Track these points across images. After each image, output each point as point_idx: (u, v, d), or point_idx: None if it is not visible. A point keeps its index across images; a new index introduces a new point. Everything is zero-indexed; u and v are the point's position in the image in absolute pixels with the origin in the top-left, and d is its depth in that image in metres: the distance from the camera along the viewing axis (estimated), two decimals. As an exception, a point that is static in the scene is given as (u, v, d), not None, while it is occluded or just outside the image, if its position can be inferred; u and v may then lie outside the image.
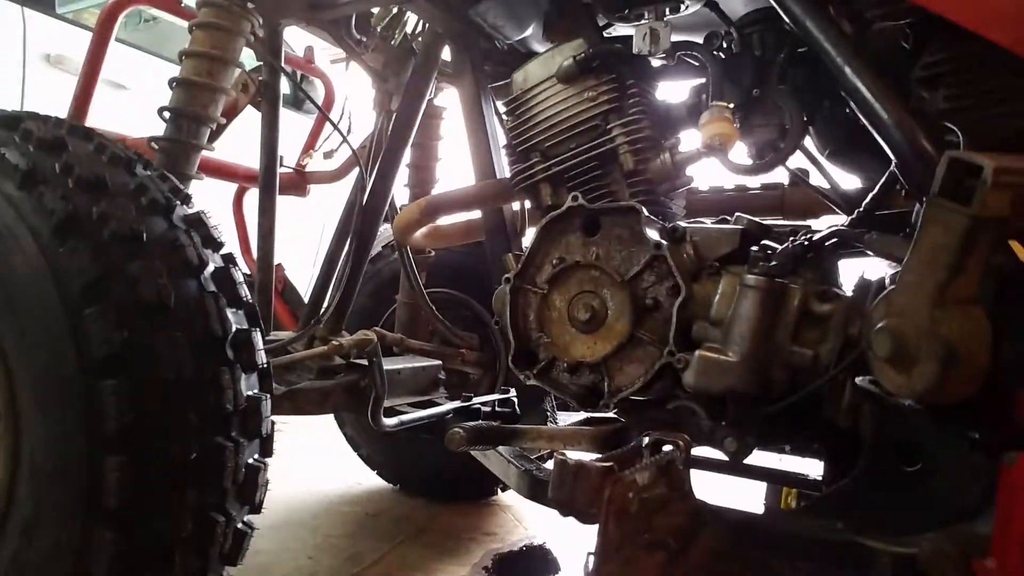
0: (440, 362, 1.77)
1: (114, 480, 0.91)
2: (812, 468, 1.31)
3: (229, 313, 1.07)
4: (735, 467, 1.17)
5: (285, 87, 1.74)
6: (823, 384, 0.88)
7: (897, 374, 0.55)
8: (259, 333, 1.13)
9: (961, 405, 0.54)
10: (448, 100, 2.01)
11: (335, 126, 1.69)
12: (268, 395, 1.13)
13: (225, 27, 1.44)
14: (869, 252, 0.83)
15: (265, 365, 1.13)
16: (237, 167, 2.19)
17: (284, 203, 1.91)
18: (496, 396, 1.59)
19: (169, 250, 1.03)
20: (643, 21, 1.22)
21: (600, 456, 0.79)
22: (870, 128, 0.89)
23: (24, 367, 0.96)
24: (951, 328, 0.51)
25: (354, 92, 2.40)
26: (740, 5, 1.20)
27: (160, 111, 1.46)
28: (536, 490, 1.13)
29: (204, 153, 1.49)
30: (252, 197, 2.45)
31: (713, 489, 1.24)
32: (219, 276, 1.09)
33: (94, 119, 1.95)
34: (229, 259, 1.14)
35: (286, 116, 1.78)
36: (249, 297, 1.14)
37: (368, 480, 2.46)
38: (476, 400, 1.54)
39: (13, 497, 0.97)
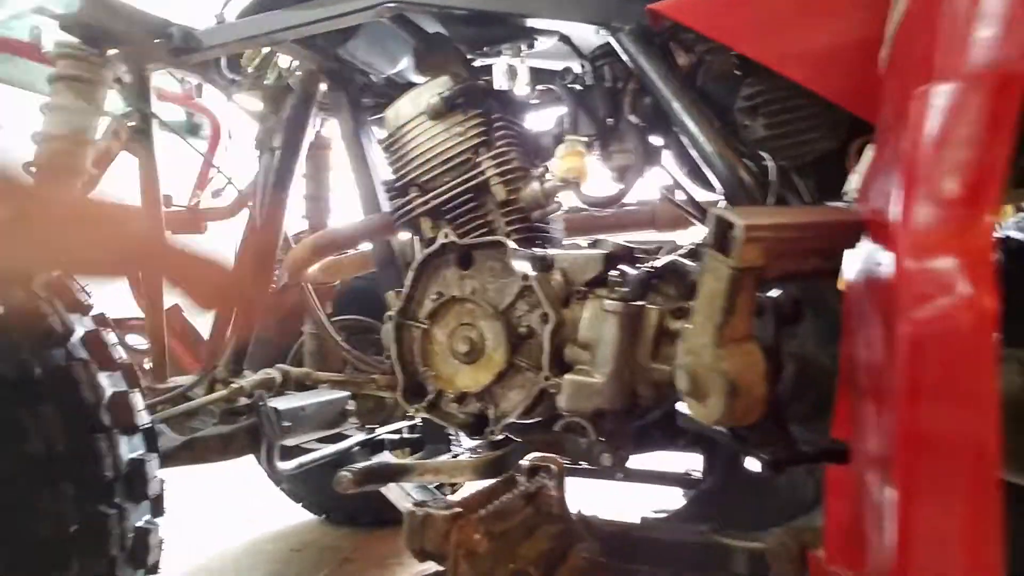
0: (347, 393, 1.76)
1: (-16, 567, 0.89)
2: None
3: (102, 377, 1.06)
4: (621, 474, 1.23)
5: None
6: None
7: (697, 405, 0.62)
8: (138, 393, 1.11)
9: (753, 428, 0.61)
10: (334, 131, 2.01)
11: (217, 168, 1.67)
12: (155, 454, 1.12)
13: (86, 78, 1.41)
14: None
15: (148, 425, 1.11)
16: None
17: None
18: (401, 424, 1.61)
19: (30, 321, 1.01)
20: (502, 57, 1.26)
21: (472, 495, 0.83)
22: (697, 158, 0.96)
23: None
24: (731, 364, 0.58)
25: (241, 126, 2.36)
26: (593, 38, 1.26)
27: (25, 167, 1.41)
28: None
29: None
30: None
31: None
32: (89, 340, 1.07)
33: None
34: (100, 320, 1.12)
35: (179, 144, 1.74)
36: (124, 357, 1.12)
37: (295, 514, 2.43)
38: (380, 431, 1.55)
39: None
